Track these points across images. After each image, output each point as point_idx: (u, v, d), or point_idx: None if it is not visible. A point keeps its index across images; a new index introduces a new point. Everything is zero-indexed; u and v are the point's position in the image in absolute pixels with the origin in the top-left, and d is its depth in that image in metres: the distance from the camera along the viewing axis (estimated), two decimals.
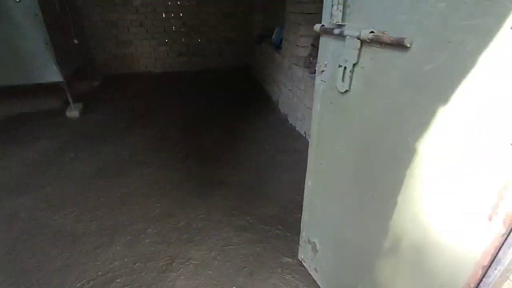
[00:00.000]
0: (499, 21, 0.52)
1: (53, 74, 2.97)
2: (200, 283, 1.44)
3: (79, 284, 1.43)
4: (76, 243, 1.65)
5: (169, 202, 1.96)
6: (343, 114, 0.95)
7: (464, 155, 0.63)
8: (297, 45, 2.70)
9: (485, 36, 0.54)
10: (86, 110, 3.33)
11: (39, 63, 2.91)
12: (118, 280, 1.46)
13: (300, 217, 1.42)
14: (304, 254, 1.46)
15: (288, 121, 3.13)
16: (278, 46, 3.39)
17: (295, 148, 2.63)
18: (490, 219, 0.61)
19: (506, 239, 0.61)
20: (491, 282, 0.65)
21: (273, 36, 3.63)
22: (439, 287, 0.75)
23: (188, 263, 1.55)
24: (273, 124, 3.12)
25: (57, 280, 1.45)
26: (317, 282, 1.39)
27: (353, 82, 0.87)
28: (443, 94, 0.64)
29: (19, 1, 2.67)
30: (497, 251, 0.62)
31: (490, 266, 0.64)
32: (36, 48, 2.86)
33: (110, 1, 4.01)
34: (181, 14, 4.34)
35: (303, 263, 1.50)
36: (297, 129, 2.93)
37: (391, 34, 0.70)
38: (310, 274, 1.46)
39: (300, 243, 1.46)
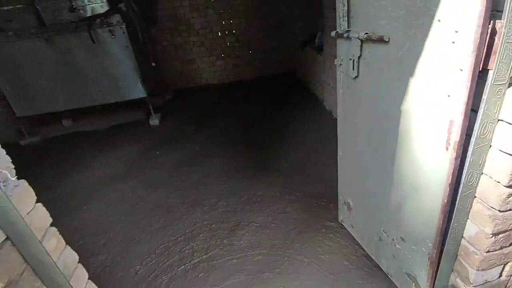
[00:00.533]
0: (431, 18, 0.84)
1: (139, 92, 3.78)
2: (261, 238, 1.87)
3: (174, 237, 1.98)
4: (169, 212, 2.23)
5: (234, 183, 2.45)
6: (356, 94, 1.29)
7: (426, 108, 0.94)
8: (335, 45, 3.01)
9: (426, 29, 0.87)
10: (164, 119, 4.10)
11: (129, 84, 3.74)
12: (201, 235, 1.97)
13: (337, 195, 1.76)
14: (342, 215, 1.79)
15: (332, 116, 3.42)
16: (320, 49, 3.73)
17: None
18: (447, 149, 0.91)
19: (461, 161, 0.90)
20: (458, 196, 0.94)
21: (316, 41, 3.97)
22: (429, 206, 1.04)
23: (251, 225, 1.99)
24: (319, 118, 3.45)
25: (159, 235, 2.02)
26: (353, 236, 1.71)
27: (360, 69, 1.21)
28: (411, 70, 0.96)
29: (114, 37, 3.51)
30: (456, 172, 0.92)
31: (455, 183, 0.93)
32: (127, 72, 3.68)
33: (176, 29, 4.82)
34: (233, 31, 4.97)
35: (342, 223, 1.82)
36: None
37: (377, 34, 1.05)
38: (348, 232, 1.78)
39: (339, 206, 1.79)
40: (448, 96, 0.85)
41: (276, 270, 1.65)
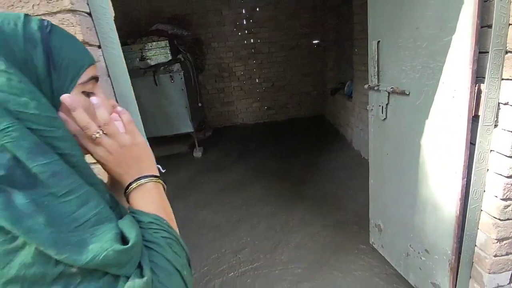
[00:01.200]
0: (437, 81, 1.23)
1: (188, 127, 4.35)
2: (299, 255, 2.14)
3: (223, 250, 2.29)
4: (216, 229, 2.57)
5: (272, 207, 2.78)
6: (384, 132, 1.66)
7: (438, 142, 1.28)
8: (364, 94, 3.45)
9: (435, 87, 1.25)
10: (205, 152, 4.60)
11: (180, 120, 4.34)
12: (246, 249, 2.27)
13: (368, 221, 2.04)
14: (373, 237, 2.04)
15: (361, 156, 3.74)
16: (349, 96, 4.18)
17: (367, 175, 3.20)
18: (455, 172, 1.23)
19: (466, 181, 1.21)
20: (468, 209, 1.23)
21: (345, 88, 4.45)
22: (446, 219, 1.33)
23: (290, 243, 2.27)
24: (348, 157, 3.77)
25: (209, 248, 2.34)
26: (384, 256, 1.94)
27: (387, 113, 1.59)
28: (426, 114, 1.33)
29: (173, 81, 4.19)
30: (464, 189, 1.22)
31: (465, 199, 1.23)
32: (180, 110, 4.30)
33: (220, 75, 5.55)
34: (270, 78, 5.62)
35: (373, 245, 2.06)
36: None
37: (400, 88, 1.44)
38: (379, 254, 2.01)
39: (370, 229, 2.05)
40: (453, 134, 1.20)
41: (314, 281, 1.90)
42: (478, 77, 1.10)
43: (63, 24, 0.83)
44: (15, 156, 0.37)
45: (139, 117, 1.03)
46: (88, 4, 0.89)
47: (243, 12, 5.24)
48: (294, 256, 2.14)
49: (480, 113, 1.10)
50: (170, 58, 4.21)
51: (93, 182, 0.44)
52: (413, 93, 1.38)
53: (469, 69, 1.08)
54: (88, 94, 0.49)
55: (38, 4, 0.81)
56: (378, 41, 1.55)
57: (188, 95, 4.30)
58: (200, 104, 4.99)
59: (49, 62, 0.43)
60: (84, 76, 0.47)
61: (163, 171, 1.19)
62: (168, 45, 4.16)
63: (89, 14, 0.90)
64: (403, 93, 1.42)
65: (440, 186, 1.33)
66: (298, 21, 5.27)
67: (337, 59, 5.00)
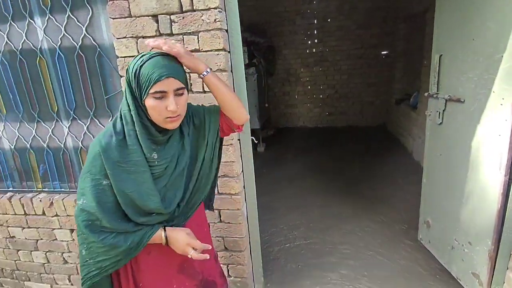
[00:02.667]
0: (489, 90, 1.44)
1: (255, 124, 4.85)
2: (348, 239, 2.42)
3: (280, 227, 2.68)
4: (274, 211, 2.97)
5: (325, 198, 3.08)
6: (440, 135, 1.87)
7: (486, 144, 1.48)
8: None
9: (487, 96, 1.46)
10: (267, 148, 5.06)
11: (250, 117, 4.87)
12: (301, 228, 2.62)
13: (418, 221, 2.22)
14: (421, 233, 2.22)
15: (420, 166, 3.77)
16: (414, 107, 4.22)
17: None
18: (499, 169, 1.42)
19: (509, 178, 1.40)
20: (508, 203, 1.41)
21: (411, 100, 4.48)
22: (489, 212, 1.51)
23: (340, 230, 2.56)
24: (405, 165, 3.84)
25: (269, 224, 2.75)
26: (430, 251, 2.11)
27: (444, 118, 1.81)
28: (478, 119, 1.53)
29: (247, 83, 4.75)
30: (506, 185, 1.41)
31: (506, 193, 1.42)
32: (249, 109, 4.83)
33: (287, 80, 5.99)
34: (334, 85, 5.87)
35: (421, 241, 2.23)
36: None
37: (456, 96, 1.66)
38: (425, 250, 2.17)
39: (419, 225, 2.23)
40: (499, 135, 1.40)
41: (359, 261, 2.17)
42: None
43: (213, 36, 1.32)
44: None
45: (247, 105, 1.49)
46: (227, 24, 1.38)
47: (315, 22, 5.61)
48: (343, 239, 2.42)
49: None
50: (246, 62, 4.79)
51: None
52: (468, 100, 1.59)
53: None
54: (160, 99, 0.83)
55: (201, 24, 1.32)
56: (440, 55, 1.79)
57: (258, 96, 4.82)
58: (266, 105, 5.49)
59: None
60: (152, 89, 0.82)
61: (256, 142, 1.63)
62: (246, 50, 4.74)
63: (227, 30, 1.39)
64: (458, 100, 1.64)
65: (486, 182, 1.51)
66: (368, 31, 5.43)
67: (405, 70, 5.02)
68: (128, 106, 0.86)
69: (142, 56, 0.84)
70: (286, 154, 4.71)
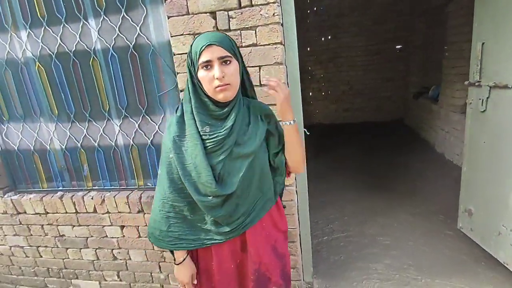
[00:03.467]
0: None
1: None
2: (387, 231, 2.43)
3: (316, 220, 2.70)
4: (312, 204, 2.98)
5: (355, 194, 3.09)
6: (483, 122, 1.88)
7: None
8: (453, 97, 3.52)
9: None
10: None
11: None
12: (337, 222, 2.64)
13: (456, 214, 2.23)
14: (462, 222, 2.22)
15: (445, 158, 3.78)
16: (434, 99, 4.22)
17: (453, 175, 3.28)
18: None
19: None
20: None
21: (430, 92, 4.48)
22: None
23: (377, 223, 2.57)
24: (431, 159, 3.84)
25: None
26: (472, 238, 2.11)
27: (487, 105, 1.82)
28: None
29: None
30: None
31: None
32: None
33: (301, 77, 6.00)
34: (348, 82, 5.88)
35: (461, 230, 2.24)
36: (454, 162, 3.55)
37: (503, 83, 1.67)
38: (466, 238, 2.18)
39: (459, 214, 2.24)
40: None
41: (401, 250, 2.18)
42: None
43: (271, 30, 1.36)
44: None
45: (300, 98, 1.52)
46: (282, 19, 1.41)
47: (327, 18, 5.63)
48: (381, 232, 2.44)
49: None
50: None
51: None
52: None
53: None
54: (208, 68, 0.88)
55: (259, 19, 1.35)
56: (483, 43, 1.80)
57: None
58: None
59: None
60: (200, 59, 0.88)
61: (308, 133, 1.66)
62: None
63: (282, 25, 1.42)
64: (506, 87, 1.65)
65: None
66: (383, 26, 5.44)
67: (422, 63, 5.02)
68: (188, 85, 0.94)
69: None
70: (307, 152, 4.72)
